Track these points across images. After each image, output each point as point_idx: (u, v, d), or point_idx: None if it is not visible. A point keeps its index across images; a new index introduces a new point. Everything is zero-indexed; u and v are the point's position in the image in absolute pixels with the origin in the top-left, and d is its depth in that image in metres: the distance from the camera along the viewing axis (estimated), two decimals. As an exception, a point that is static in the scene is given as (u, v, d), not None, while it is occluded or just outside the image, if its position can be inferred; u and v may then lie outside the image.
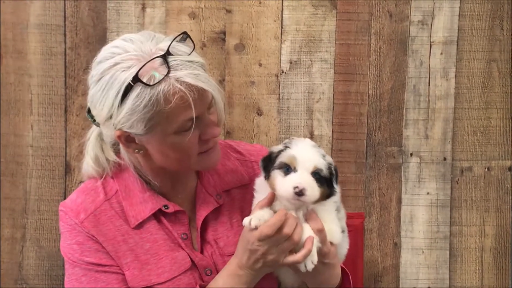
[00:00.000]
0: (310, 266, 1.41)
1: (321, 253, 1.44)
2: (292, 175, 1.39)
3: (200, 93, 1.37)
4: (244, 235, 1.45)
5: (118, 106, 1.37)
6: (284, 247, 1.41)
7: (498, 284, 2.32)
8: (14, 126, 2.24)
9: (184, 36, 1.43)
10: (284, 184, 1.39)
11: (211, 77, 1.41)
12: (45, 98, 2.23)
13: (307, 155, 1.40)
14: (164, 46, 1.38)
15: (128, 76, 1.35)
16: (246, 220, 1.42)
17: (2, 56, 2.22)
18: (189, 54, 1.39)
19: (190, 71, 1.36)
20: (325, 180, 1.41)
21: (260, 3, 2.22)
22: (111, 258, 1.49)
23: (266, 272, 1.48)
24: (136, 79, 1.34)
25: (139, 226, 1.52)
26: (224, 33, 2.24)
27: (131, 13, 2.21)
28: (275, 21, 2.23)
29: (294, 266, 1.45)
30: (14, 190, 2.26)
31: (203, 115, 1.42)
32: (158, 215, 1.53)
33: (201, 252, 1.56)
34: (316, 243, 1.42)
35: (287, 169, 1.40)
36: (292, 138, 1.46)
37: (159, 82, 1.34)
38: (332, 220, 1.47)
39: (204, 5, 2.22)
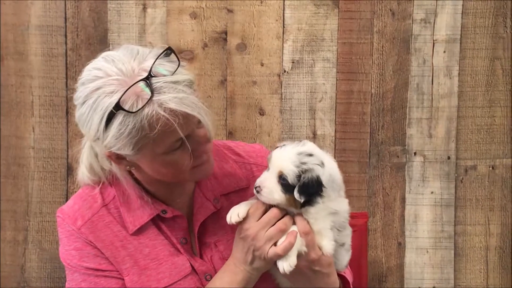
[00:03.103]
0: (287, 268, 1.39)
1: (309, 259, 1.43)
2: (263, 173, 1.43)
3: (185, 117, 1.34)
4: (236, 230, 1.47)
5: (103, 131, 1.35)
6: (270, 234, 1.40)
7: (503, 283, 2.31)
8: (15, 128, 2.24)
9: (168, 52, 1.40)
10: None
11: (196, 97, 1.37)
12: (46, 99, 2.23)
13: (278, 159, 1.41)
14: (147, 66, 1.34)
15: (110, 103, 1.32)
16: (228, 218, 1.43)
17: (3, 57, 2.22)
18: (173, 73, 1.36)
19: (174, 94, 1.33)
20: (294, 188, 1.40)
21: (261, 2, 2.21)
22: (110, 263, 1.48)
23: (260, 271, 1.46)
24: (118, 106, 1.31)
25: (138, 232, 1.50)
26: (226, 33, 2.23)
27: (132, 13, 2.21)
28: (276, 20, 2.22)
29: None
30: (16, 192, 2.25)
31: (192, 132, 1.40)
32: (156, 220, 1.52)
33: (201, 257, 1.55)
34: (300, 246, 1.41)
35: (268, 166, 1.43)
36: (301, 140, 1.44)
37: (142, 108, 1.31)
38: (321, 231, 1.45)
39: (205, 5, 2.21)
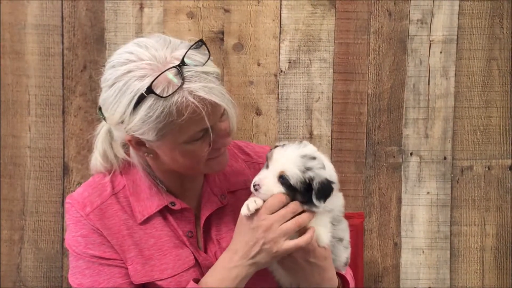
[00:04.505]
0: (246, 210, 1.42)
1: (305, 249, 1.43)
2: (262, 171, 1.44)
3: (213, 106, 1.37)
4: (242, 221, 1.44)
5: (130, 114, 1.37)
6: (287, 228, 1.40)
7: (499, 283, 2.31)
8: (12, 127, 2.23)
9: (199, 44, 1.42)
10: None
11: (224, 89, 1.40)
12: (43, 99, 2.23)
13: (281, 159, 1.41)
14: (179, 54, 1.37)
15: (141, 86, 1.35)
16: (244, 210, 1.42)
17: (0, 57, 2.21)
18: (204, 64, 1.38)
19: (204, 83, 1.35)
20: (298, 191, 1.41)
21: (258, 2, 2.21)
22: (116, 252, 1.50)
23: (258, 266, 1.45)
24: (149, 90, 1.34)
25: (145, 221, 1.52)
26: (223, 33, 2.23)
27: (129, 13, 2.21)
28: (273, 20, 2.22)
29: (284, 264, 1.46)
30: (12, 191, 2.25)
31: (215, 124, 1.42)
32: (164, 212, 1.54)
33: (205, 251, 1.57)
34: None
35: (267, 164, 1.44)
36: (301, 141, 1.46)
37: (172, 94, 1.33)
38: (319, 223, 1.46)
39: (202, 5, 2.21)
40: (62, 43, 2.22)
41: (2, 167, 2.25)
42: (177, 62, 1.36)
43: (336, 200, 1.50)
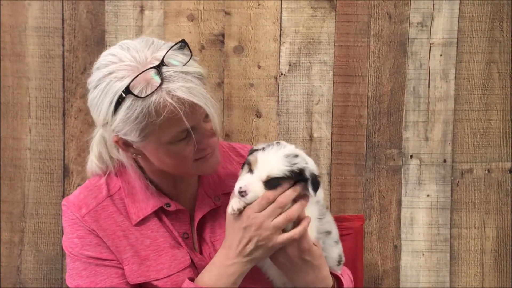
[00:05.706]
0: (231, 209, 1.43)
1: (300, 247, 1.45)
2: (245, 176, 1.44)
3: (192, 106, 1.37)
4: (231, 220, 1.45)
5: (112, 114, 1.40)
6: (277, 222, 1.41)
7: (499, 286, 2.31)
8: (12, 129, 2.23)
9: (182, 44, 1.43)
10: (238, 180, 1.45)
11: (205, 89, 1.40)
12: (43, 101, 2.23)
13: (266, 164, 1.42)
14: (160, 55, 1.39)
15: (120, 87, 1.37)
16: (230, 210, 1.43)
17: (0, 59, 2.21)
18: (185, 64, 1.39)
19: (183, 83, 1.36)
20: (290, 178, 1.43)
21: (259, 5, 2.22)
22: (112, 252, 1.51)
23: (254, 262, 1.46)
24: (127, 90, 1.35)
25: (140, 223, 1.54)
26: (223, 35, 2.23)
27: (129, 15, 2.21)
28: (274, 23, 2.23)
29: (279, 263, 1.47)
30: (12, 193, 2.25)
31: (198, 124, 1.43)
32: (159, 213, 1.55)
33: (200, 252, 1.58)
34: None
35: (250, 168, 1.44)
36: (278, 142, 1.47)
37: (151, 94, 1.35)
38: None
39: (203, 7, 2.21)
40: (63, 45, 2.22)
41: (2, 169, 2.25)
42: (157, 63, 1.37)
43: (320, 193, 1.53)
